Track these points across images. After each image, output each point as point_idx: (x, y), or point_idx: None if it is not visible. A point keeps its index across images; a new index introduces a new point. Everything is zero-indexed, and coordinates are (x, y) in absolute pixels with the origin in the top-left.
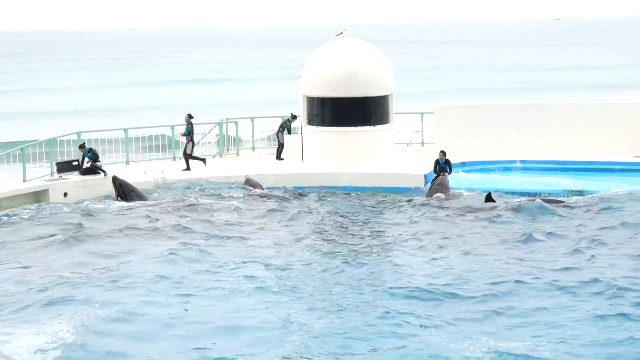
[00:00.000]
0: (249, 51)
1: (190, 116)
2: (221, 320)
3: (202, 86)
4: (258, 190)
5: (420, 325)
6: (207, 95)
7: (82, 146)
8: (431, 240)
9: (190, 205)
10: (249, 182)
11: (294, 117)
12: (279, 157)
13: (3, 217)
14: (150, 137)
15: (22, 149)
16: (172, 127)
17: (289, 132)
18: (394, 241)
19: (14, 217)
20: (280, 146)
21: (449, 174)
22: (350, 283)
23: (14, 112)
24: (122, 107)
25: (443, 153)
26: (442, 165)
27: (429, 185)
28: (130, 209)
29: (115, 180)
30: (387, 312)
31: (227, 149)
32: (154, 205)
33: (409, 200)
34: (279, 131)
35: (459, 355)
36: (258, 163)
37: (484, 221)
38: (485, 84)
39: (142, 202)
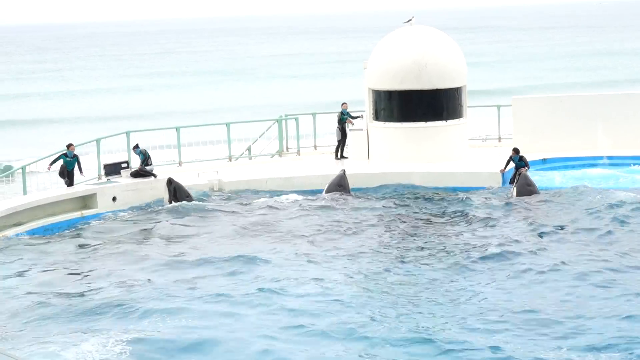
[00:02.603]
0: (307, 42)
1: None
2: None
3: (257, 84)
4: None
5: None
6: (263, 94)
7: (135, 147)
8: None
9: (251, 211)
10: (342, 180)
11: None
12: (338, 155)
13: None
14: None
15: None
16: (228, 125)
17: (343, 123)
18: (476, 248)
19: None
20: (338, 143)
21: (528, 169)
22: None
23: (55, 118)
24: (172, 111)
25: (516, 151)
26: (518, 164)
27: (509, 186)
28: (189, 214)
29: (170, 183)
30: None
31: (287, 148)
32: (212, 211)
33: (489, 198)
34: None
35: None
36: (320, 162)
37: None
38: (568, 74)
39: (198, 206)
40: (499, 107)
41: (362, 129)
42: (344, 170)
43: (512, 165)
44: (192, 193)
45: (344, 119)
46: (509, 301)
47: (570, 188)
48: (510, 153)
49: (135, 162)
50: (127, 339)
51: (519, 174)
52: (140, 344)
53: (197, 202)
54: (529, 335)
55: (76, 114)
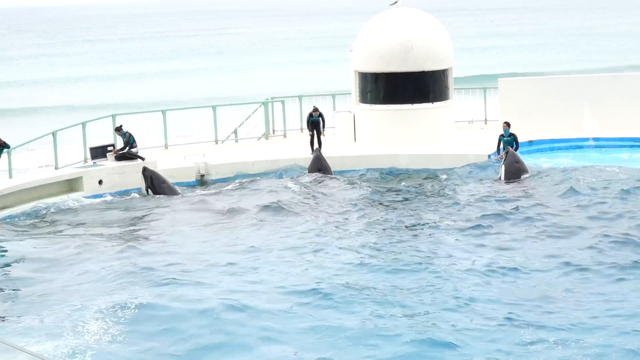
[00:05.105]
0: (294, 24)
1: None
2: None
3: (243, 69)
4: (316, 176)
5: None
6: (249, 78)
7: (118, 129)
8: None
9: (232, 196)
10: (319, 161)
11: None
12: (312, 149)
13: (39, 209)
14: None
15: (53, 134)
16: (214, 107)
17: (315, 128)
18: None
19: (47, 209)
20: (311, 137)
21: (516, 150)
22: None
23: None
24: (160, 100)
25: (507, 124)
26: (508, 140)
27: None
28: (165, 205)
29: (145, 171)
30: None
31: (273, 131)
32: (188, 198)
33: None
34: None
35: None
36: (307, 145)
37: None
38: (553, 56)
39: (175, 195)
40: (485, 89)
41: (349, 111)
42: (318, 150)
43: (501, 146)
44: (177, 177)
45: (314, 120)
46: (496, 282)
47: (557, 167)
48: (498, 135)
49: (119, 145)
50: (112, 326)
51: (507, 152)
52: (127, 331)
53: (174, 188)
54: (517, 317)
55: (62, 102)
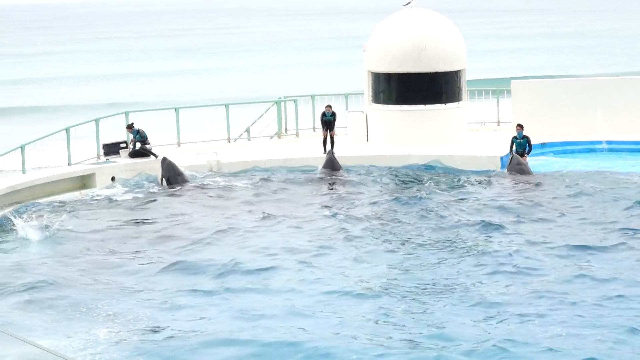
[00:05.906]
0: (304, 22)
1: None
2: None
3: (255, 68)
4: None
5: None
6: (261, 77)
7: (130, 127)
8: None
9: (243, 191)
10: (332, 162)
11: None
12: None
13: (52, 205)
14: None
15: (66, 130)
16: (227, 105)
17: (328, 127)
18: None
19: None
20: (324, 139)
21: (528, 153)
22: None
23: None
24: (172, 99)
25: (520, 127)
26: (521, 142)
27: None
28: (178, 194)
29: (163, 161)
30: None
31: (286, 130)
32: (197, 191)
33: (487, 181)
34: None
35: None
36: (319, 144)
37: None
38: (566, 57)
39: (188, 187)
40: (498, 91)
41: (362, 112)
42: (331, 152)
43: (514, 148)
44: (190, 173)
45: (328, 119)
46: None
47: (564, 170)
48: (510, 138)
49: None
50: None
51: (512, 155)
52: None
53: (188, 182)
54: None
55: (73, 100)
